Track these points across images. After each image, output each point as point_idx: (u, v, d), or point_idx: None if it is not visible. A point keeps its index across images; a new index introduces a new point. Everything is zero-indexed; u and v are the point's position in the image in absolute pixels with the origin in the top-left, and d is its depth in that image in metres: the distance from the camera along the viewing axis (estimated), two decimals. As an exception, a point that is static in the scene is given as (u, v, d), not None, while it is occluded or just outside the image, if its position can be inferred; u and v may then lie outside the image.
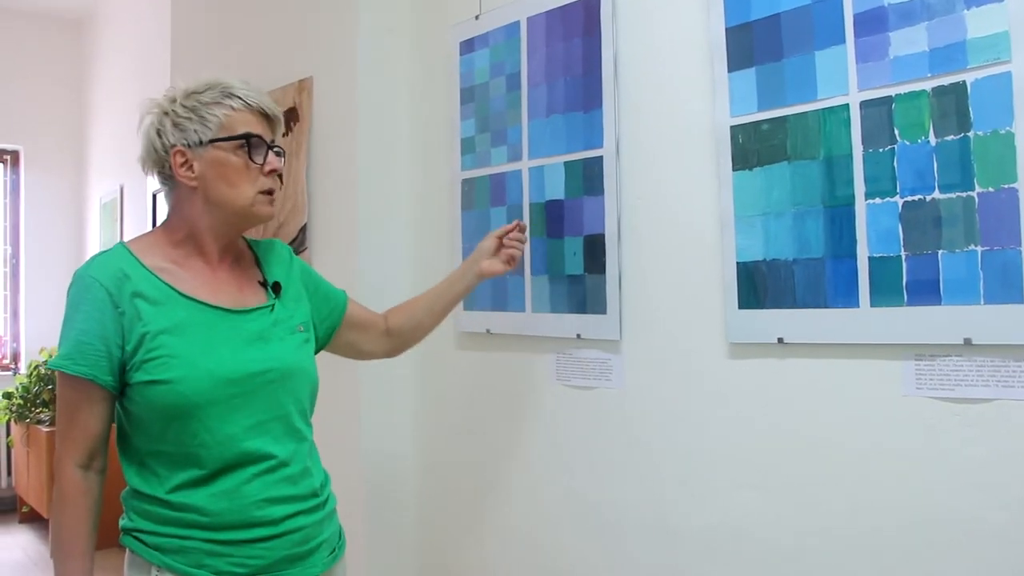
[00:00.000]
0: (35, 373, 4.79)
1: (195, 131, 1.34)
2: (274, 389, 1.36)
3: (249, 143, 1.37)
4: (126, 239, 1.41)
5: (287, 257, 1.55)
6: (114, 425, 1.37)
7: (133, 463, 1.35)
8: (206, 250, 1.39)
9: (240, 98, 1.37)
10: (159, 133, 1.36)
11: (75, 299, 1.31)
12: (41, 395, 4.71)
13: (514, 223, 1.74)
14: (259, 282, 1.46)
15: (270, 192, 1.40)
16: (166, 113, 1.37)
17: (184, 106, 1.36)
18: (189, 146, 1.35)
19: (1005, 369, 1.23)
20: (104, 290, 1.29)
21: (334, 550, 1.45)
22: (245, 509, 1.31)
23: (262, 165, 1.38)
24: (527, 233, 1.82)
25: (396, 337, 1.71)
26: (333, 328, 1.61)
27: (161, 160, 1.37)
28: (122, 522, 1.36)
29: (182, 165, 1.35)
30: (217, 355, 1.32)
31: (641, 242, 1.72)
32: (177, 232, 1.40)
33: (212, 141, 1.34)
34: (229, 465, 1.31)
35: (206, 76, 1.39)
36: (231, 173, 1.36)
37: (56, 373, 1.32)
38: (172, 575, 1.30)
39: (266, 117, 1.40)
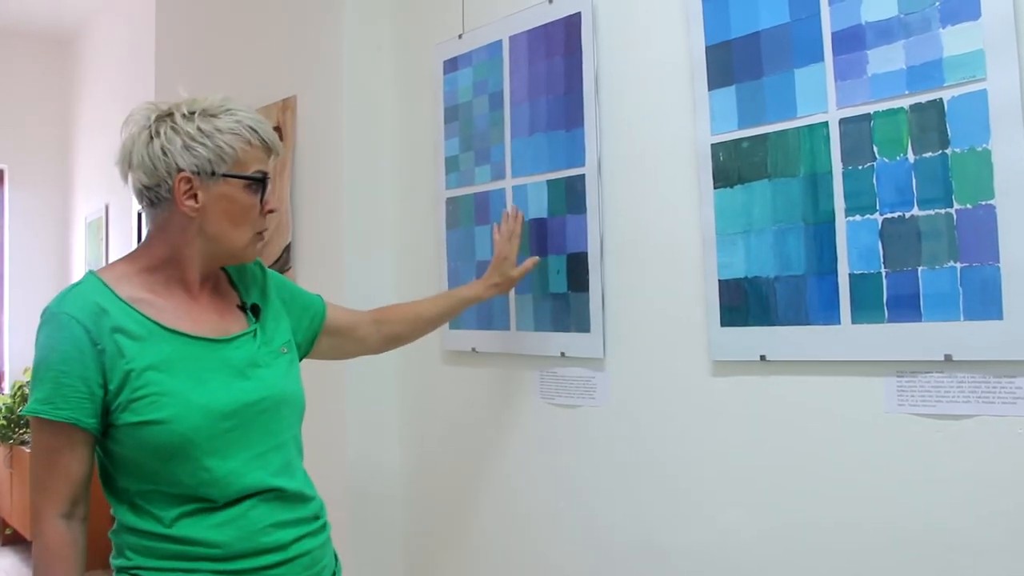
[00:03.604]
0: (19, 393, 4.74)
1: (209, 160, 1.25)
2: (268, 419, 1.31)
3: (260, 184, 1.31)
4: (110, 260, 1.38)
5: (260, 274, 1.47)
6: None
7: (123, 503, 1.26)
8: (186, 277, 1.32)
9: (257, 132, 1.29)
10: (164, 151, 1.24)
11: (49, 339, 1.21)
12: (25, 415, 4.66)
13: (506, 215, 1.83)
14: (237, 306, 1.40)
15: (262, 233, 1.36)
16: (175, 130, 1.25)
17: (200, 129, 1.25)
18: (198, 174, 1.25)
19: (985, 385, 1.24)
20: (81, 327, 1.19)
21: (334, 573, 1.43)
22: (253, 536, 1.26)
23: (263, 204, 1.33)
24: (518, 222, 1.86)
25: (391, 341, 1.74)
26: (314, 336, 1.56)
27: (159, 179, 1.25)
28: (116, 562, 1.27)
29: (186, 192, 1.25)
30: (208, 389, 1.25)
31: (624, 260, 1.72)
32: (156, 256, 1.30)
33: (225, 176, 1.26)
34: (233, 501, 1.26)
35: (216, 95, 1.30)
36: (237, 212, 1.29)
37: (31, 419, 1.22)
38: None
39: (269, 152, 1.33)
